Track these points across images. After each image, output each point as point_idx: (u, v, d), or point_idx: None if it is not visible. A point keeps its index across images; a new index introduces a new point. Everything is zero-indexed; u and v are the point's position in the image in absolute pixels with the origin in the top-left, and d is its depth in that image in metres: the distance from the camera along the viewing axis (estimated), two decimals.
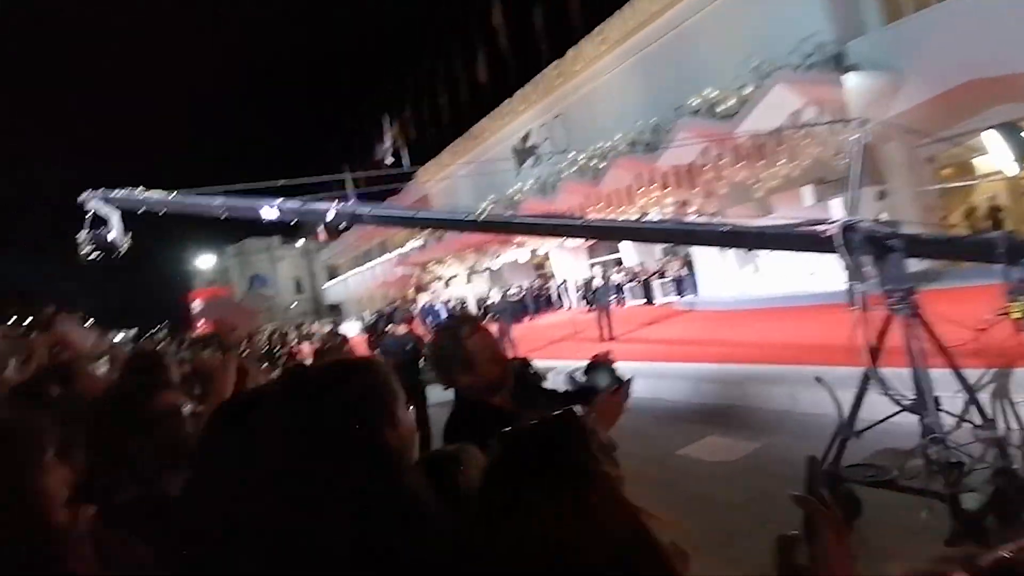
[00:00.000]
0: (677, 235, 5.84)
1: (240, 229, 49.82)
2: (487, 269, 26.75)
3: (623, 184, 15.85)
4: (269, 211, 7.13)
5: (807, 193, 12.61)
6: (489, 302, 24.27)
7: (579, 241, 20.70)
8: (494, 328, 10.49)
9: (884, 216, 9.56)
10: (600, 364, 1.87)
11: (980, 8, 9.59)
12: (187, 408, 1.34)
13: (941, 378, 3.27)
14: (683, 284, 18.32)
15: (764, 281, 13.74)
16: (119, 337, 18.38)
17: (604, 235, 10.07)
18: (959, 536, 2.75)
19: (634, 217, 14.25)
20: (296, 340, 15.97)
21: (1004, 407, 3.25)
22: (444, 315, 23.74)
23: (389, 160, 29.98)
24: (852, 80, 11.12)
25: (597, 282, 16.45)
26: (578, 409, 0.83)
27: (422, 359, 6.60)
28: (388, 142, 30.38)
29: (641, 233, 6.09)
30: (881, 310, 3.36)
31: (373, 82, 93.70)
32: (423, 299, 29.56)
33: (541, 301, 25.25)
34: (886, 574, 0.64)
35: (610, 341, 12.33)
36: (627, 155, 15.68)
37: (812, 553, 0.78)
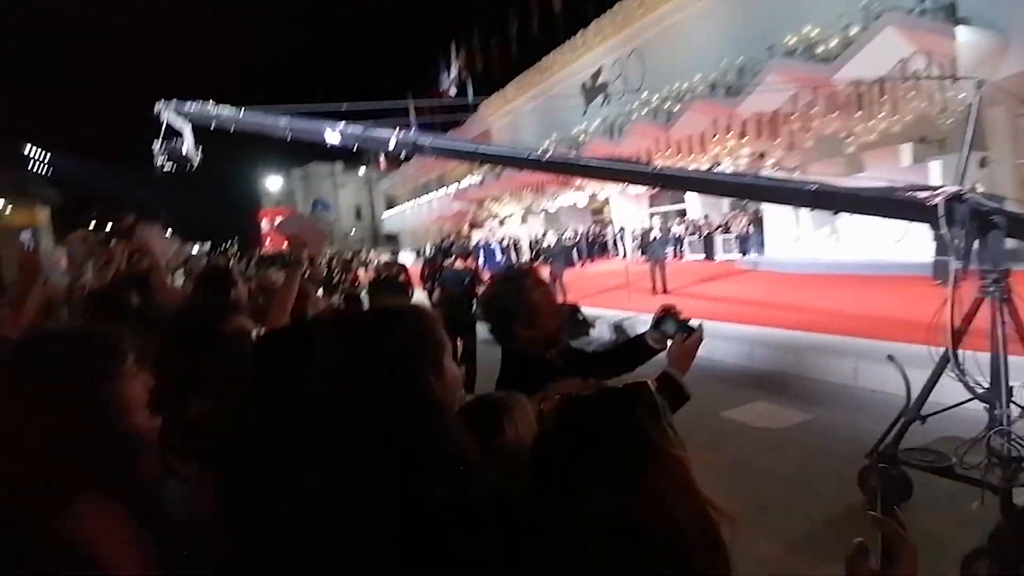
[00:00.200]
0: (758, 191, 5.23)
1: (306, 153, 50.62)
2: (543, 210, 26.41)
3: (697, 130, 15.08)
4: (331, 134, 7.19)
5: (905, 151, 11.68)
6: (543, 244, 24.14)
7: (642, 188, 20.05)
8: (545, 272, 10.45)
9: (979, 187, 8.78)
10: (668, 315, 1.81)
11: None
12: (254, 333, 1.39)
13: (1015, 365, 3.03)
14: (748, 242, 17.62)
15: (841, 245, 12.95)
16: (195, 249, 19.50)
17: (673, 185, 9.63)
18: (979, 554, 2.62)
19: (705, 167, 13.59)
20: (356, 267, 16.50)
21: None
22: (499, 254, 23.86)
23: (453, 91, 29.50)
24: (963, 34, 10.01)
25: (655, 233, 16.00)
26: (650, 382, 0.77)
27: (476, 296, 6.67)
28: (454, 71, 29.78)
29: (718, 186, 5.56)
30: (970, 290, 3.10)
31: (443, 5, 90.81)
32: (477, 236, 29.70)
33: (596, 247, 24.91)
34: None
35: (663, 294, 12.10)
36: (705, 98, 14.82)
37: None
